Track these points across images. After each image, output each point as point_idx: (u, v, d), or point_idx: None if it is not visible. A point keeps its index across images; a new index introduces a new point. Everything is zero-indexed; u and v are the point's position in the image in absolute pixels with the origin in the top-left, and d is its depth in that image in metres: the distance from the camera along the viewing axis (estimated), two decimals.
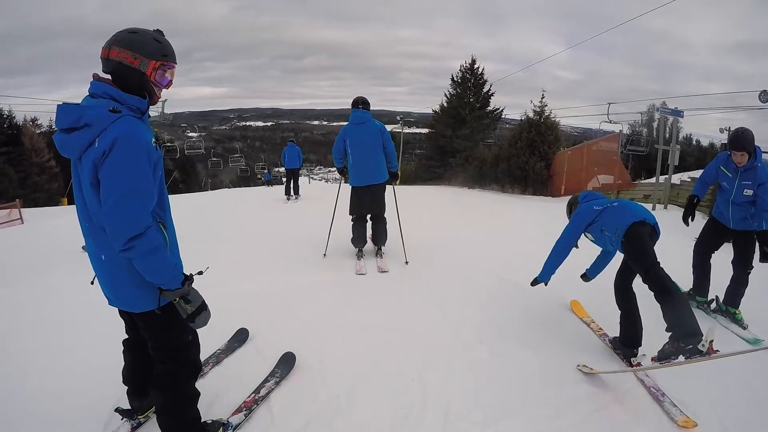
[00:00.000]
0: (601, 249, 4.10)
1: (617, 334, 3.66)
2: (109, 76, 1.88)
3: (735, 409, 2.93)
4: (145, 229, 1.79)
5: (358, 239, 5.66)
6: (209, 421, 2.35)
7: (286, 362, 3.09)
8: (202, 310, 2.02)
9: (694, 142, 28.63)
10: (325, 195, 7.78)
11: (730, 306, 4.32)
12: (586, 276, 4.40)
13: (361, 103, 5.41)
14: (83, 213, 1.93)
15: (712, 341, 2.68)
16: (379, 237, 5.68)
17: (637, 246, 3.39)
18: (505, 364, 3.40)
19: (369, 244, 5.96)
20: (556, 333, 4.02)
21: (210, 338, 2.81)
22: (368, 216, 5.69)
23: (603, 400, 3.01)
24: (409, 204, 7.86)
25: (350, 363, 3.24)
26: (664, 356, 2.91)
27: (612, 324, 3.76)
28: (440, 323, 4.07)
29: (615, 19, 35.37)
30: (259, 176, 38.50)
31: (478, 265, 5.69)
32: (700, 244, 4.56)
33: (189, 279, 1.99)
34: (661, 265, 3.21)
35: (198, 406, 2.24)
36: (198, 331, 2.14)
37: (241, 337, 3.42)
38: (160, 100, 2.04)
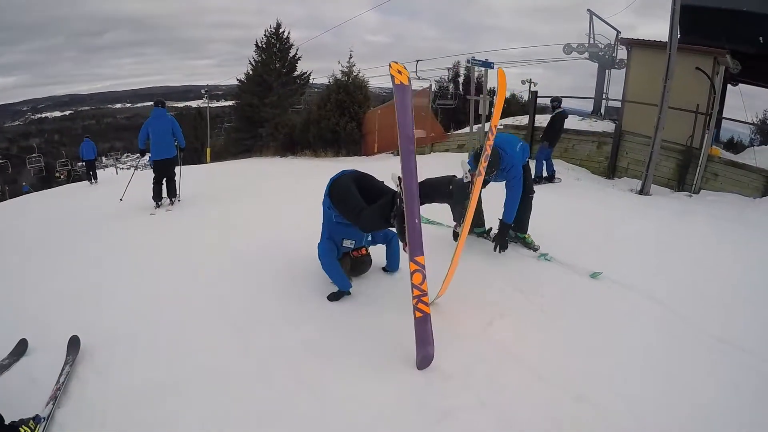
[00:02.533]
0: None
1: None
2: None
3: None
4: None
5: (156, 196, 7.61)
6: (17, 420, 2.30)
7: (74, 345, 3.12)
8: None
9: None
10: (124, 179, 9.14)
11: (519, 232, 4.81)
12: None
13: (160, 103, 7.80)
14: None
15: (468, 169, 3.33)
16: (171, 192, 7.73)
17: (340, 199, 3.56)
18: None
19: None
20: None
21: None
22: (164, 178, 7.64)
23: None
24: (214, 182, 9.65)
25: (146, 332, 3.34)
26: (458, 216, 3.67)
27: None
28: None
29: None
30: (58, 175, 31.64)
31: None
32: None
33: None
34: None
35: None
36: None
37: (19, 349, 3.17)
38: None
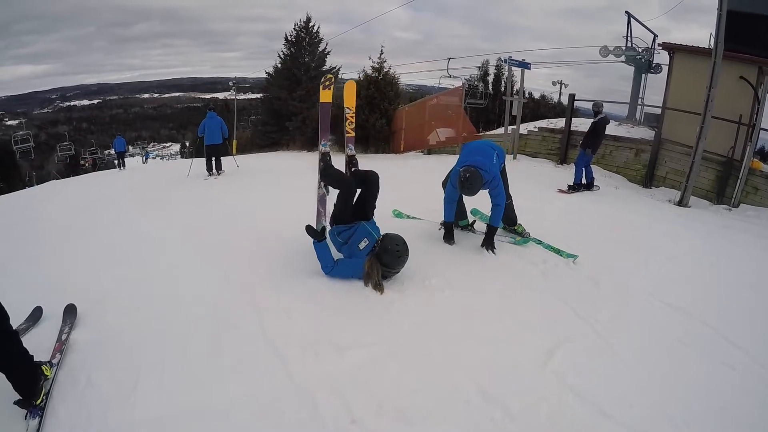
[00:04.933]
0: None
1: None
2: None
3: None
4: None
5: (208, 169, 10.88)
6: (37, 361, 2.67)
7: (70, 312, 3.46)
8: None
9: (527, 95, 30.41)
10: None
11: (509, 225, 5.29)
12: None
13: (212, 108, 11.72)
14: None
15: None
16: (217, 167, 11.03)
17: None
18: None
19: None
20: None
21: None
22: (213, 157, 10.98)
23: None
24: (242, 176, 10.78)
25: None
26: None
27: None
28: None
29: None
30: (83, 163, 32.28)
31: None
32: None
33: None
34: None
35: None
36: None
37: (35, 315, 3.47)
38: None
